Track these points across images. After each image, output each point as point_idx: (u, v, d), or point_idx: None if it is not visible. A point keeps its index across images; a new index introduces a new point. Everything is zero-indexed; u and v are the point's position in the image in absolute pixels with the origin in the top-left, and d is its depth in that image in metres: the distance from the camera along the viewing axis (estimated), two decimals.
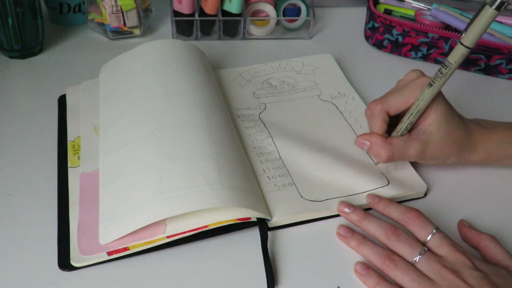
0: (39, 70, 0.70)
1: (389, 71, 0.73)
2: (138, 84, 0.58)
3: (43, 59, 0.72)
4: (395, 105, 0.51)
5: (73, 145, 0.55)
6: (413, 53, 0.75)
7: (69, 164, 0.53)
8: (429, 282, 0.41)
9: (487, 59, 0.71)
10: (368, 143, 0.52)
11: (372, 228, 0.46)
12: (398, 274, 0.42)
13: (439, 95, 0.50)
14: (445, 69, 0.46)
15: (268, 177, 0.52)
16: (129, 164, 0.49)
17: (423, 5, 0.75)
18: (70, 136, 0.57)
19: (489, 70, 0.72)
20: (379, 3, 0.77)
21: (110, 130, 0.54)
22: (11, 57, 0.71)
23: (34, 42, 0.71)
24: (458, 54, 0.45)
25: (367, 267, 0.45)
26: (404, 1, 0.76)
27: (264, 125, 0.59)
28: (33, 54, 0.72)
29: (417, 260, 0.43)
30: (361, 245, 0.46)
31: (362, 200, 0.50)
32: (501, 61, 0.71)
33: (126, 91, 0.58)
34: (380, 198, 0.50)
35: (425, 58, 0.75)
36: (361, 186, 0.51)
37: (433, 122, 0.50)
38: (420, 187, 0.52)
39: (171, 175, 0.46)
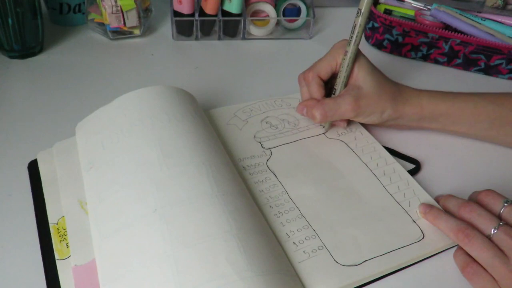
0: (39, 70, 0.69)
1: (389, 71, 0.72)
2: (127, 146, 0.49)
3: (43, 59, 0.72)
4: (324, 69, 0.57)
5: (58, 229, 0.45)
6: (413, 53, 0.75)
7: (56, 256, 0.43)
8: (502, 261, 0.41)
9: (487, 59, 0.71)
10: (305, 108, 0.57)
11: (451, 205, 0.48)
12: (471, 250, 0.43)
13: (360, 55, 0.55)
14: (357, 17, 0.51)
15: (294, 243, 0.46)
16: (134, 253, 0.41)
17: (423, 5, 0.75)
18: (52, 217, 0.47)
19: (489, 70, 0.72)
20: (379, 3, 0.77)
21: (102, 207, 0.45)
22: (11, 57, 0.71)
23: (34, 42, 0.71)
24: (365, 1, 0.50)
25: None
26: (404, 1, 0.76)
27: (275, 176, 0.53)
28: (33, 54, 0.72)
29: (492, 234, 0.43)
30: (437, 219, 0.47)
31: (399, 259, 0.45)
32: (501, 61, 0.71)
33: (114, 157, 0.49)
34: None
35: (425, 58, 0.75)
36: (396, 241, 0.46)
37: (358, 77, 0.55)
38: None
39: (190, 265, 0.39)
